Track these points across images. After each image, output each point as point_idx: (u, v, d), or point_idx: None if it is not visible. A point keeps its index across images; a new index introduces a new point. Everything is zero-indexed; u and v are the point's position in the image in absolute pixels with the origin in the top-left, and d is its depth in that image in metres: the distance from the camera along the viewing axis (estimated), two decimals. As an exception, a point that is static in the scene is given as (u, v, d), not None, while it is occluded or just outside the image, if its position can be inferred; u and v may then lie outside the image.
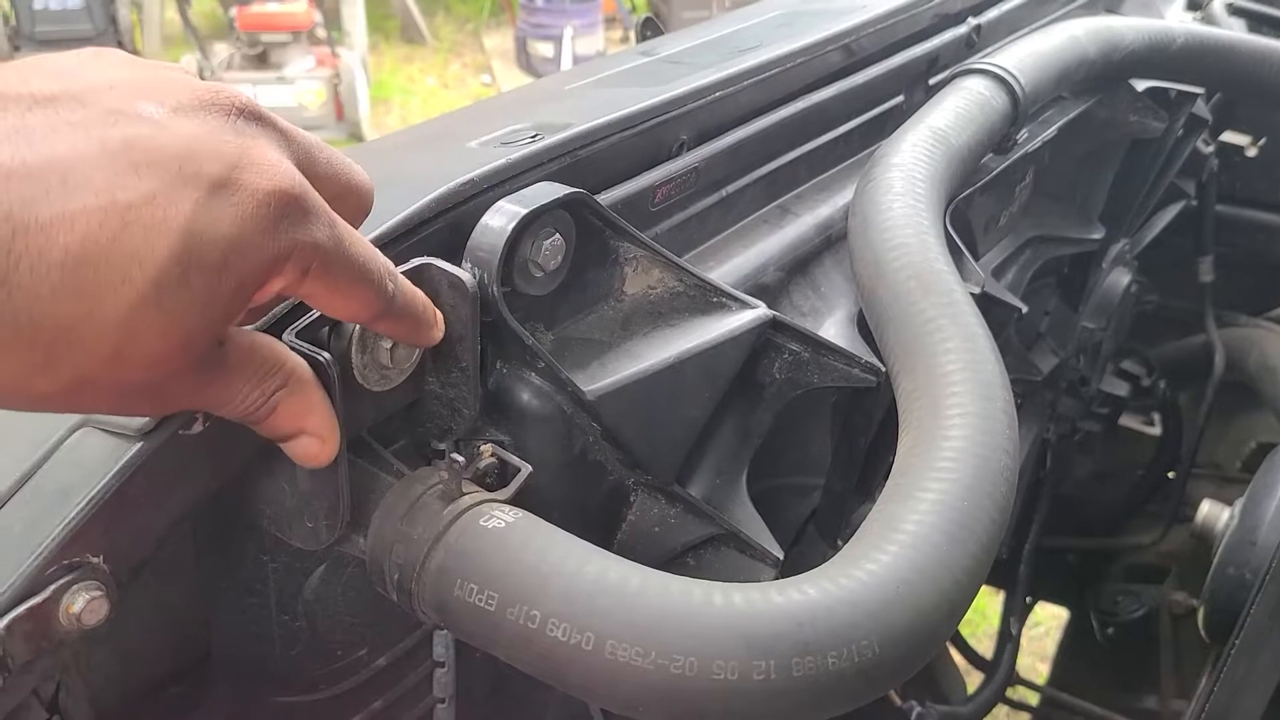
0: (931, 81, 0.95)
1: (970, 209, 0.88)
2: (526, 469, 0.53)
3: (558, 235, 0.56)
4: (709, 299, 0.63)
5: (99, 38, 5.06)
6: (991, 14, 1.04)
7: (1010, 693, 1.58)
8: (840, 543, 0.82)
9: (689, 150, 0.71)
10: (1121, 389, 1.42)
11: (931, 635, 0.48)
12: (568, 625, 0.44)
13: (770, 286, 0.74)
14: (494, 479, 0.53)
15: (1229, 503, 1.01)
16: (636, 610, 0.44)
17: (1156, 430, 1.60)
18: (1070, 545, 1.68)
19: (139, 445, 0.44)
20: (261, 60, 5.15)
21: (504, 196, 0.56)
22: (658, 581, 0.45)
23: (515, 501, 0.50)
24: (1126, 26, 1.00)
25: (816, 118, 0.83)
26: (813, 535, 0.84)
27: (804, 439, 0.84)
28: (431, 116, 0.76)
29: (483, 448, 0.53)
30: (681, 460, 0.64)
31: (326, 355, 0.46)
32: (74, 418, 0.45)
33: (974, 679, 1.56)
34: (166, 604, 0.53)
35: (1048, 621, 2.31)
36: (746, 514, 0.67)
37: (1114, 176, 1.19)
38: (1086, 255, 1.19)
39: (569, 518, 0.53)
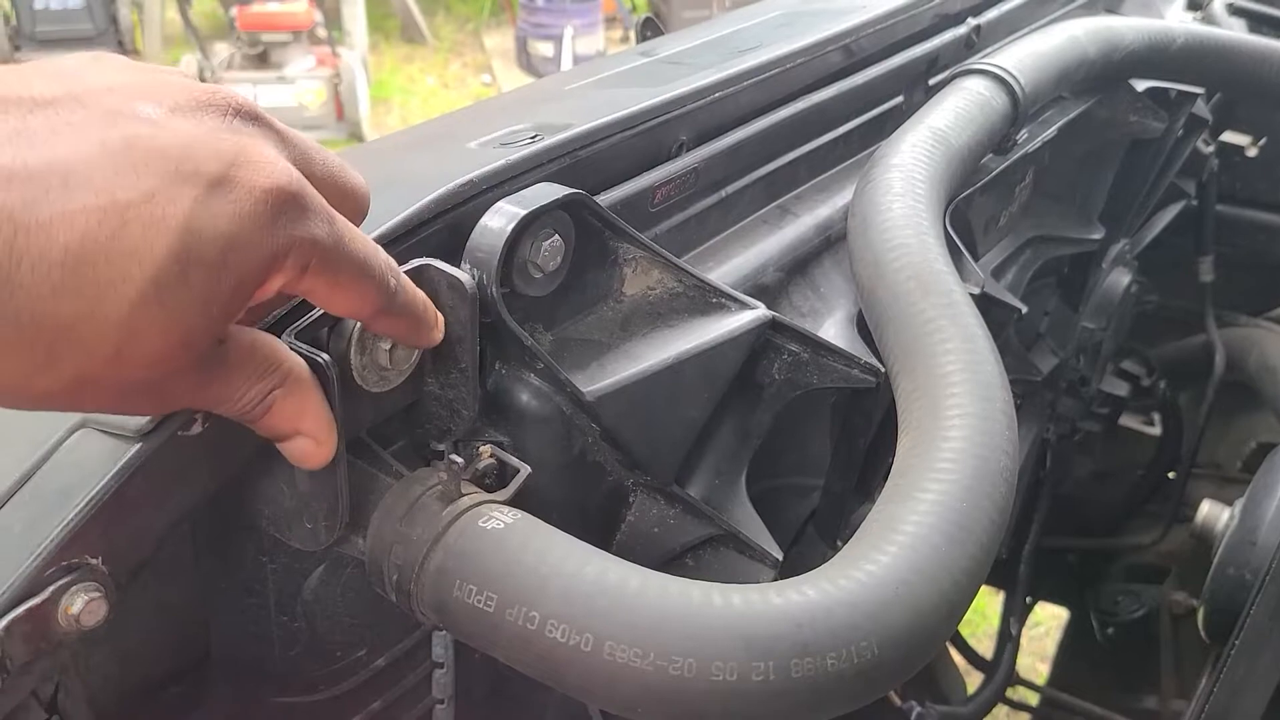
0: (931, 82, 0.95)
1: (970, 209, 0.88)
2: (525, 470, 0.53)
3: (557, 236, 0.56)
4: (708, 300, 0.63)
5: (99, 37, 5.07)
6: (991, 14, 1.04)
7: (1010, 693, 1.58)
8: (840, 543, 0.82)
9: (688, 151, 0.71)
10: (1121, 389, 1.41)
11: (931, 636, 0.48)
12: (567, 626, 0.44)
13: (770, 287, 0.74)
14: (493, 480, 0.53)
15: (1229, 503, 1.01)
16: (635, 611, 0.44)
17: (1156, 430, 1.60)
18: (1070, 545, 1.68)
19: (138, 446, 0.44)
20: (262, 60, 5.15)
21: (503, 197, 0.56)
22: (657, 582, 0.45)
23: (514, 502, 0.50)
24: (1126, 26, 1.00)
25: (816, 118, 0.83)
26: (812, 536, 0.84)
27: (803, 439, 0.84)
28: (432, 116, 0.76)
29: (482, 449, 0.53)
30: (680, 461, 0.64)
31: (325, 356, 0.46)
32: (73, 418, 0.45)
33: (974, 679, 1.56)
34: (165, 605, 0.53)
35: (1048, 621, 2.31)
36: (746, 514, 0.67)
37: (1114, 176, 1.19)
38: (1086, 255, 1.19)
39: (568, 518, 0.53)
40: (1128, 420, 1.57)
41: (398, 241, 0.53)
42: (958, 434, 0.54)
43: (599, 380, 0.58)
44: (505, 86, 5.62)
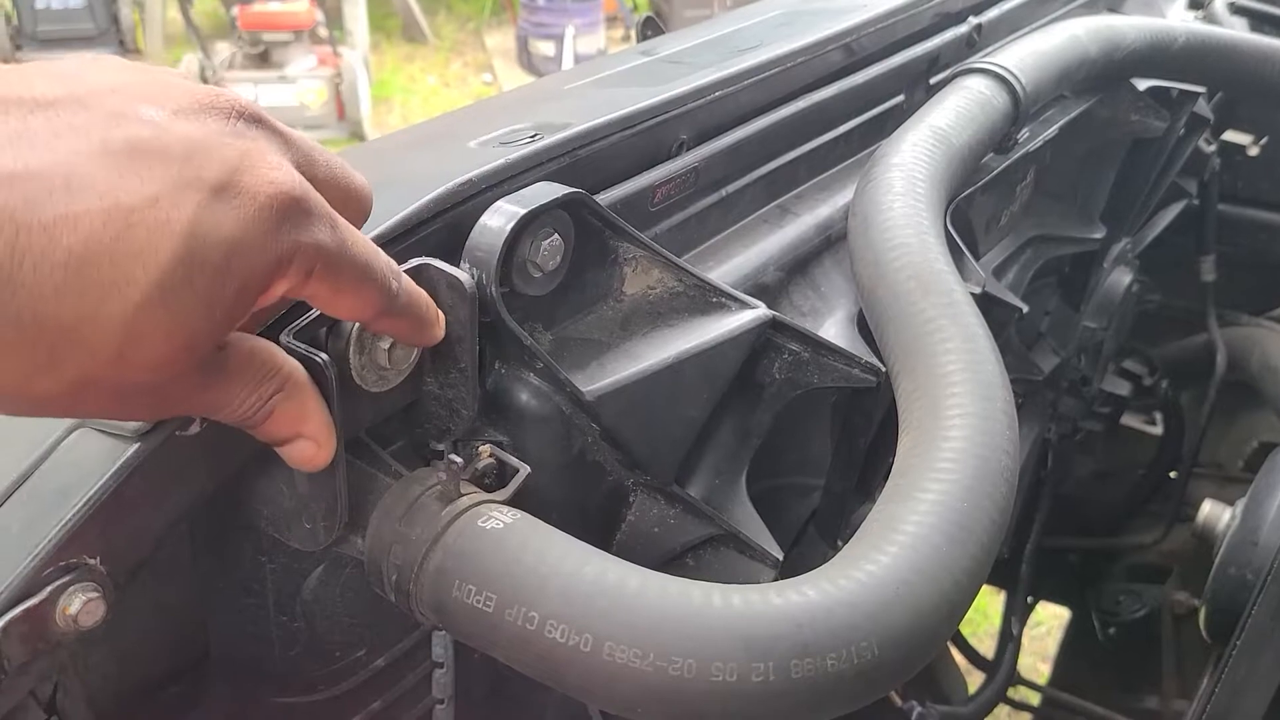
0: (932, 81, 0.95)
1: (971, 208, 0.88)
2: (525, 470, 0.52)
3: (556, 235, 0.56)
4: (708, 299, 0.63)
5: (101, 37, 5.07)
6: (992, 13, 1.04)
7: (1011, 693, 1.58)
8: (840, 543, 0.82)
9: (689, 150, 0.71)
10: (1123, 388, 1.41)
11: (931, 636, 0.47)
12: (566, 626, 0.44)
13: (770, 286, 0.74)
14: (492, 480, 0.53)
15: (1231, 502, 1.01)
16: (635, 611, 0.44)
17: (1158, 430, 1.60)
18: (1072, 545, 1.68)
19: (136, 446, 0.44)
20: (263, 59, 5.15)
21: (503, 196, 0.56)
22: (656, 583, 0.45)
23: (514, 502, 0.50)
24: (1128, 25, 1.00)
25: (817, 117, 0.83)
26: (813, 536, 0.84)
27: (804, 439, 0.84)
28: (432, 116, 0.76)
29: (481, 448, 0.53)
30: (681, 460, 0.64)
31: (324, 356, 0.46)
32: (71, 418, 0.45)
33: (975, 679, 1.56)
34: (164, 605, 0.53)
35: (1049, 621, 2.31)
36: (746, 514, 0.67)
37: (1115, 176, 1.19)
38: (1088, 255, 1.18)
39: (568, 518, 0.53)
40: (1129, 420, 1.57)
41: (397, 240, 0.53)
42: (958, 434, 0.54)
43: (599, 380, 0.58)
44: (506, 86, 5.62)
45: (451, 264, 0.52)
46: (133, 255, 0.35)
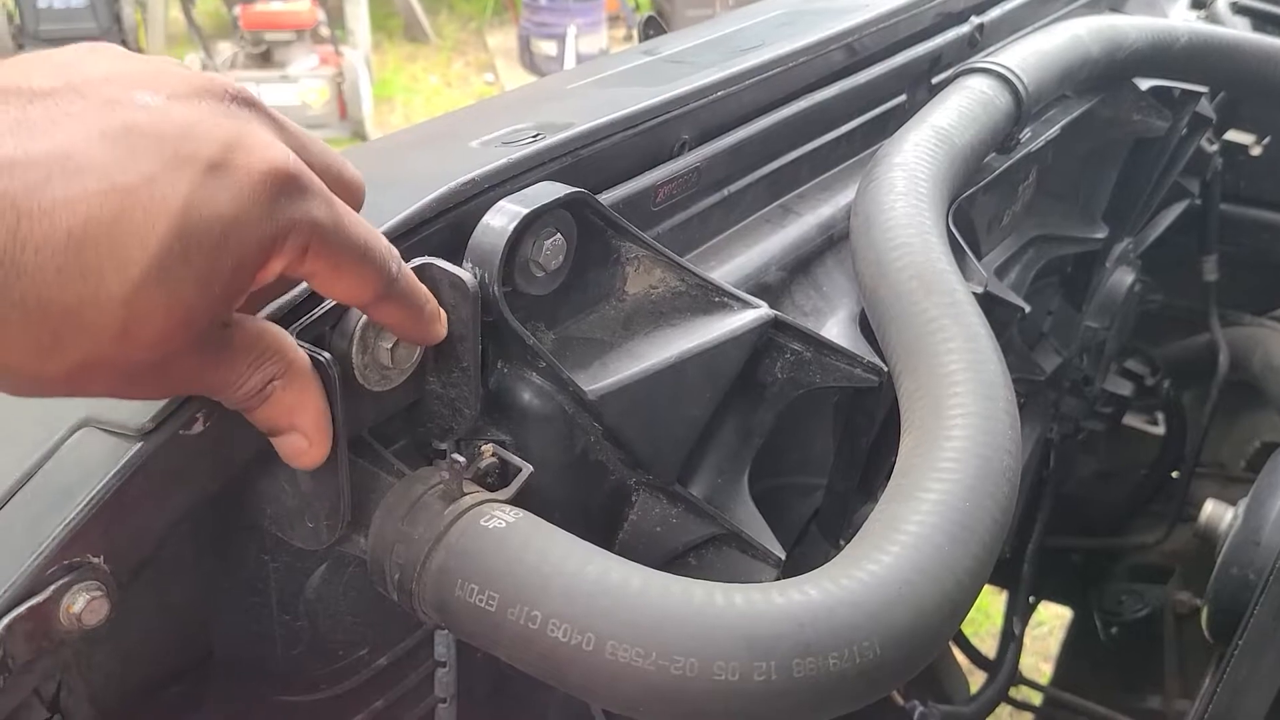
0: (934, 80, 0.95)
1: (973, 208, 0.88)
2: (528, 469, 0.52)
3: (559, 235, 0.56)
4: (711, 299, 0.63)
5: (103, 36, 5.06)
6: (994, 13, 1.04)
7: (1013, 692, 1.57)
8: (842, 543, 0.82)
9: (691, 150, 0.71)
10: (1125, 388, 1.41)
11: (934, 636, 0.47)
12: (569, 626, 0.44)
13: (772, 286, 0.74)
14: (495, 479, 0.53)
15: (1233, 502, 1.01)
16: (637, 611, 0.44)
17: (1160, 430, 1.60)
18: (1074, 545, 1.68)
19: (139, 445, 0.44)
20: (265, 59, 5.15)
21: (505, 196, 0.56)
22: (659, 582, 0.45)
23: (516, 501, 0.50)
24: (1130, 25, 1.00)
25: (819, 117, 0.83)
26: (815, 535, 0.84)
27: (806, 439, 0.84)
28: (434, 115, 0.76)
29: (484, 448, 0.53)
30: (683, 460, 0.64)
31: (327, 355, 0.46)
32: (75, 417, 0.45)
33: (977, 678, 1.56)
34: (167, 604, 0.53)
35: (1051, 621, 2.31)
36: (748, 514, 0.67)
37: (1117, 175, 1.19)
38: (1090, 254, 1.18)
39: (570, 518, 0.53)
40: (1131, 420, 1.57)
41: (400, 240, 0.53)
42: (961, 433, 0.54)
43: (601, 379, 0.58)
44: (508, 85, 5.62)
45: (454, 263, 0.52)
46: (130, 235, 0.36)
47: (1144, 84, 1.05)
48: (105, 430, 0.44)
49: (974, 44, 1.00)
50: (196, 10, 5.35)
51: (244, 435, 0.46)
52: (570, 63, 5.42)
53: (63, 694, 0.46)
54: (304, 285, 0.48)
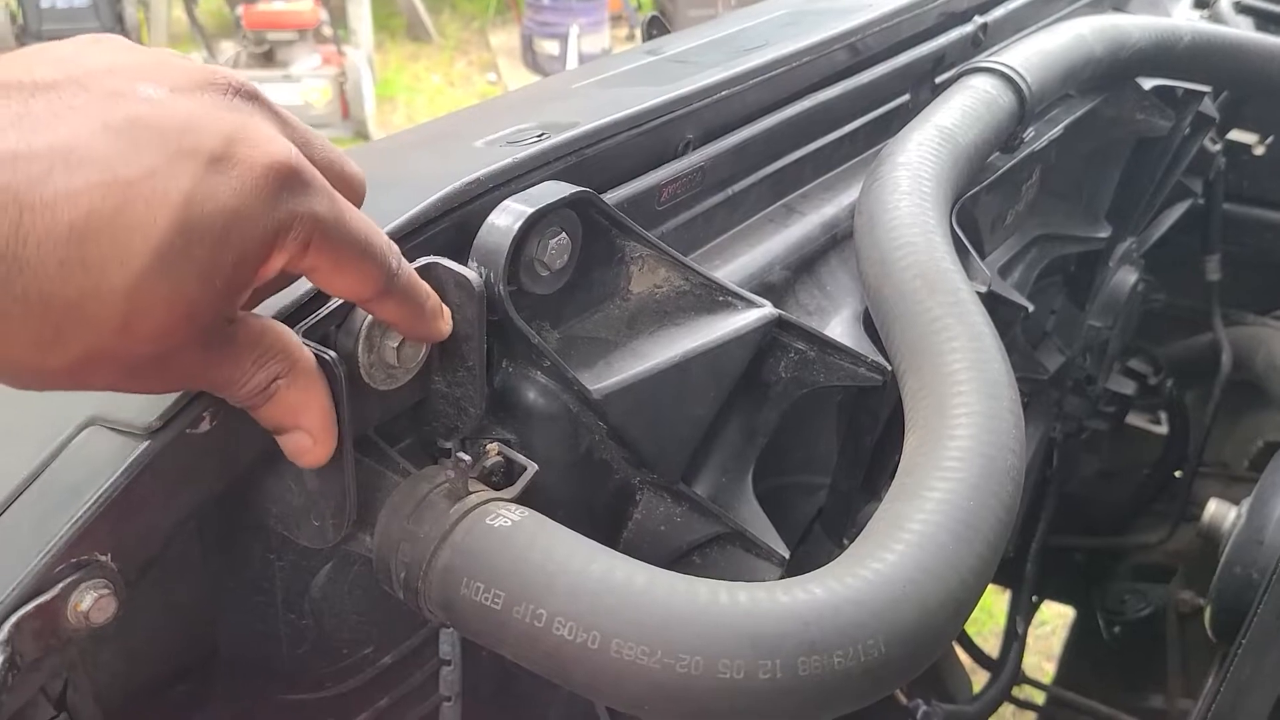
0: (938, 80, 0.95)
1: (977, 208, 0.88)
2: (533, 468, 0.53)
3: (564, 234, 0.56)
4: (715, 298, 0.63)
5: (105, 36, 5.06)
6: (998, 12, 1.04)
7: (1016, 692, 1.57)
8: (846, 542, 0.82)
9: (695, 149, 0.71)
10: (1128, 388, 1.41)
11: (938, 634, 0.47)
12: (574, 624, 0.44)
13: (776, 285, 0.74)
14: (500, 478, 0.53)
15: (1236, 502, 1.01)
16: (642, 609, 0.44)
17: (1163, 429, 1.60)
18: (1077, 544, 1.68)
19: (146, 444, 0.44)
20: (267, 58, 5.15)
21: (510, 195, 0.56)
22: (664, 580, 0.45)
23: (521, 500, 0.50)
24: (1133, 25, 1.00)
25: (822, 116, 0.83)
26: (819, 534, 0.84)
27: (810, 438, 0.84)
28: (437, 115, 0.77)
29: (489, 446, 0.53)
30: (687, 459, 0.64)
31: (333, 354, 0.46)
32: (82, 415, 0.45)
33: (980, 678, 1.55)
34: (173, 602, 0.53)
35: (1054, 620, 2.31)
36: (752, 513, 0.67)
37: (1120, 175, 1.19)
38: (1093, 254, 1.18)
39: (575, 516, 0.53)
40: (1134, 419, 1.57)
41: (405, 240, 0.53)
42: (965, 432, 0.54)
43: (606, 378, 0.58)
44: (511, 85, 5.62)
45: (459, 263, 0.52)
46: (132, 227, 0.36)
47: (1147, 83, 1.05)
48: (112, 429, 0.44)
49: (977, 43, 1.00)
50: (199, 10, 5.35)
51: (250, 434, 0.46)
52: (573, 62, 5.42)
53: (69, 692, 0.46)
54: (310, 285, 0.48)
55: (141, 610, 0.48)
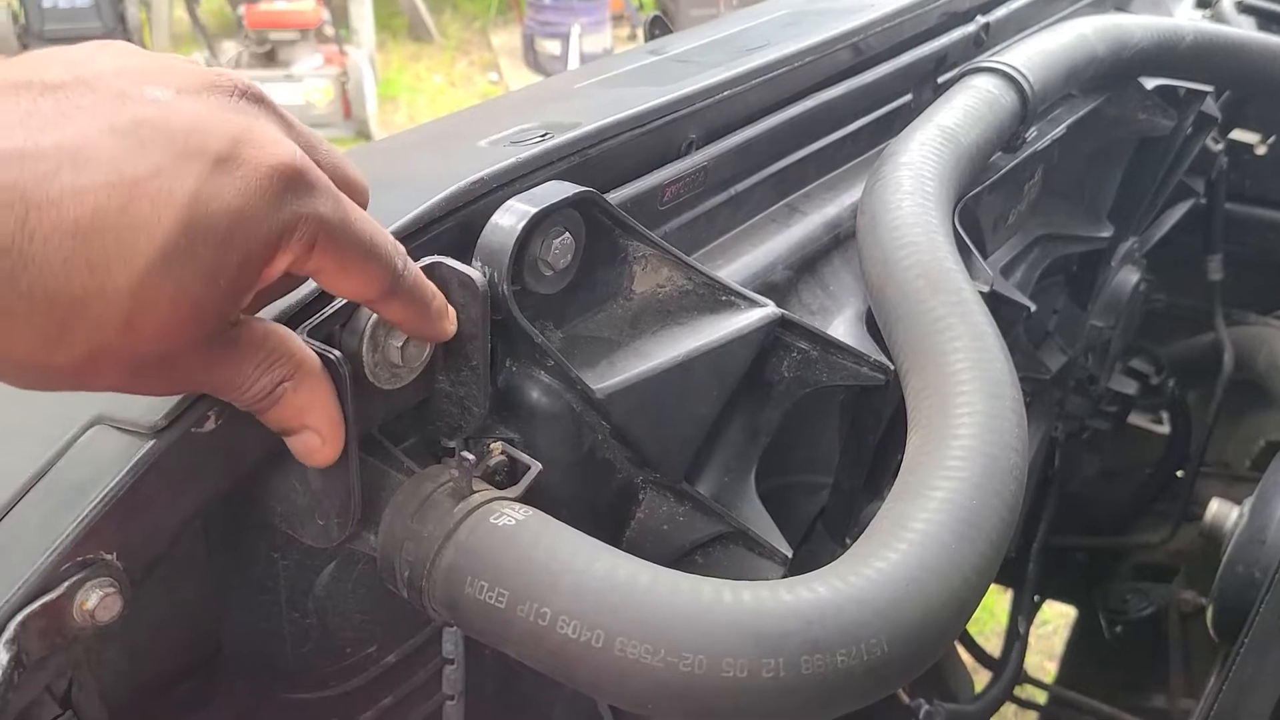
0: (940, 80, 0.95)
1: (979, 207, 0.88)
2: (536, 467, 0.53)
3: (567, 234, 0.57)
4: (717, 297, 0.63)
5: (108, 36, 5.05)
6: (1000, 12, 1.04)
7: (1018, 691, 1.57)
8: (849, 541, 0.82)
9: (697, 149, 0.71)
10: (1130, 387, 1.41)
11: (941, 633, 0.48)
12: (578, 622, 0.44)
13: (779, 285, 0.74)
14: (504, 477, 0.53)
15: (1238, 501, 1.01)
16: (646, 608, 0.44)
17: (1165, 429, 1.60)
18: (1078, 544, 1.68)
19: (152, 443, 0.44)
20: (269, 58, 5.15)
21: (514, 195, 0.56)
22: (667, 579, 0.45)
23: (525, 499, 0.50)
24: (1135, 24, 1.00)
25: (825, 116, 0.83)
26: (821, 533, 0.84)
27: (813, 437, 0.84)
28: (439, 114, 0.77)
29: (493, 446, 0.54)
30: (690, 458, 0.64)
31: (337, 353, 0.46)
32: (88, 415, 0.45)
33: (982, 677, 1.55)
34: (178, 601, 0.53)
35: (1056, 620, 2.31)
36: (755, 512, 0.67)
37: (1123, 174, 1.19)
38: (1095, 253, 1.18)
39: (578, 515, 0.53)
40: (1136, 419, 1.57)
41: (409, 239, 0.53)
42: (967, 431, 0.54)
43: (609, 378, 0.58)
44: (512, 85, 5.62)
45: (463, 262, 0.52)
46: (137, 226, 0.36)
47: (1149, 83, 1.05)
48: (118, 428, 0.45)
49: (979, 43, 1.00)
50: (201, 10, 5.36)
51: (255, 433, 0.46)
52: (574, 62, 5.42)
53: (74, 690, 0.46)
54: (314, 285, 0.48)
55: (146, 609, 0.49)
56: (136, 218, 0.36)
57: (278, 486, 0.50)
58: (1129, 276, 1.27)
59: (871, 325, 0.73)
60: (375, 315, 0.49)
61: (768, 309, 0.63)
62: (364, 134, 5.09)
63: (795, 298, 0.75)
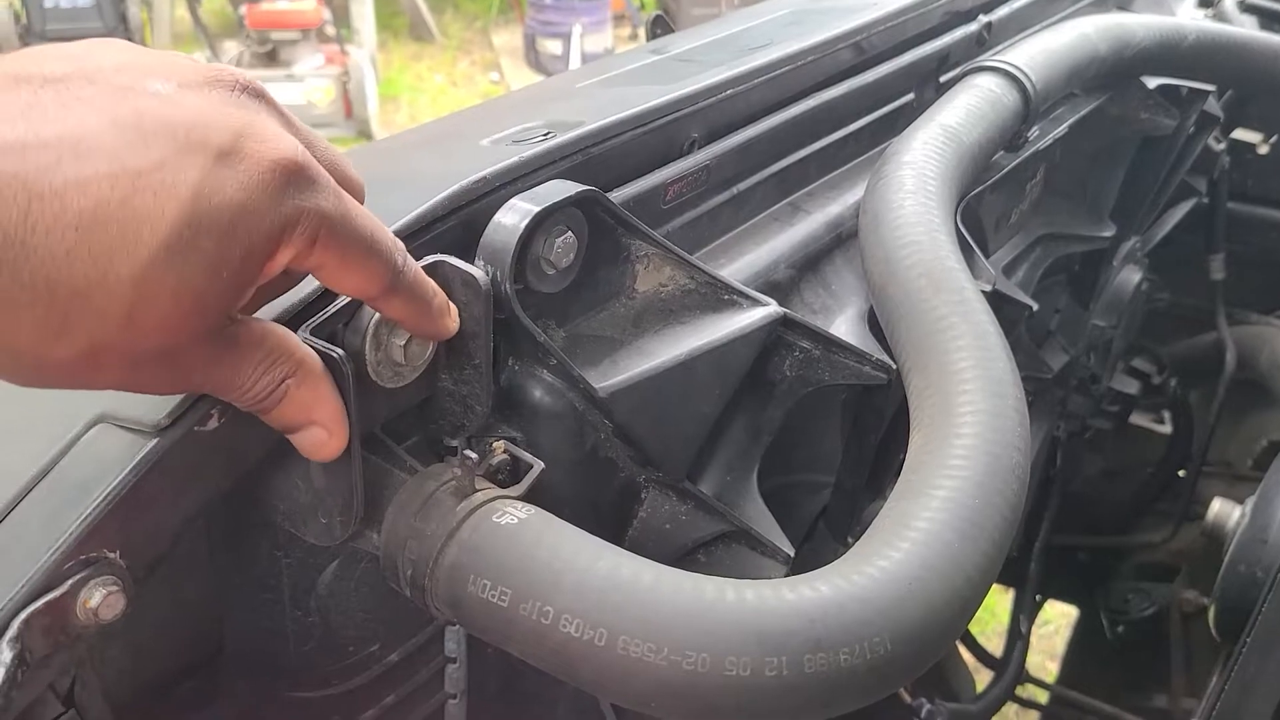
0: (942, 79, 0.95)
1: (981, 206, 0.88)
2: (539, 465, 0.53)
3: (570, 233, 0.57)
4: (720, 296, 0.63)
5: (109, 35, 5.07)
6: (1002, 11, 1.04)
7: (1020, 691, 1.57)
8: (851, 540, 0.82)
9: (700, 148, 0.71)
10: (1132, 387, 1.41)
11: (943, 632, 0.48)
12: (580, 621, 0.44)
13: (781, 284, 0.74)
14: (506, 475, 0.53)
15: (1240, 501, 1.01)
16: (648, 606, 0.44)
17: (1167, 428, 1.60)
18: (1080, 543, 1.68)
19: (155, 441, 0.44)
20: (271, 58, 5.15)
21: (516, 194, 0.56)
22: (670, 578, 0.45)
23: (528, 498, 0.50)
24: (1138, 24, 1.00)
25: (827, 115, 0.83)
26: (824, 532, 0.84)
27: (815, 436, 0.84)
28: (440, 114, 0.77)
29: (495, 444, 0.54)
30: (693, 457, 0.64)
31: (340, 352, 0.46)
32: (91, 413, 0.45)
33: (983, 677, 1.55)
34: (181, 599, 0.53)
35: (1057, 619, 2.31)
36: (757, 511, 0.67)
37: (1125, 174, 1.19)
38: (1097, 253, 1.18)
39: (581, 514, 0.53)
40: (1138, 418, 1.57)
41: (412, 238, 0.53)
42: (970, 430, 0.54)
43: (611, 376, 0.58)
44: (513, 84, 5.62)
45: (466, 261, 0.52)
46: (140, 218, 0.36)
47: (1152, 82, 1.05)
48: (121, 426, 0.45)
49: (982, 42, 1.00)
50: (202, 9, 5.36)
51: (258, 432, 0.46)
52: (575, 61, 5.42)
53: (77, 688, 0.46)
54: (316, 284, 0.48)
55: (149, 607, 0.49)
56: (139, 209, 0.36)
57: (280, 485, 0.50)
58: (1131, 276, 1.27)
59: (874, 324, 0.73)
60: (378, 314, 0.49)
61: (770, 308, 0.63)
62: (365, 134, 5.09)
63: (798, 297, 0.75)
